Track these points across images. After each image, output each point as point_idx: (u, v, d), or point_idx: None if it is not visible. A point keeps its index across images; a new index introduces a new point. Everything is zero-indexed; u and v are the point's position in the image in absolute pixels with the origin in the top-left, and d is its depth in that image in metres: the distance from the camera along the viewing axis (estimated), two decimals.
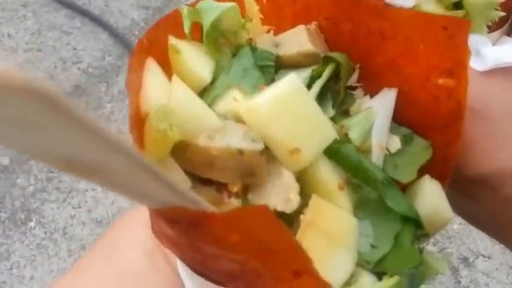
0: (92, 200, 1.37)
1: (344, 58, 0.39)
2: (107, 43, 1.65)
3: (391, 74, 0.39)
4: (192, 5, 0.36)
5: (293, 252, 0.26)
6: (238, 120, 0.33)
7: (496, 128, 0.39)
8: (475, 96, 0.38)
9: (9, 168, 1.44)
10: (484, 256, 1.28)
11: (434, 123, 0.38)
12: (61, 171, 0.17)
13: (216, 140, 0.31)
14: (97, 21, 1.71)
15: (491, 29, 0.42)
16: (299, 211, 0.32)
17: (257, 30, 0.39)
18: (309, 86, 0.37)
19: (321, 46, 0.39)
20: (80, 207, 1.35)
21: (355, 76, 0.40)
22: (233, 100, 0.33)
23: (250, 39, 0.38)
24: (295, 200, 0.31)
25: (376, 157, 0.36)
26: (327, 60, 0.38)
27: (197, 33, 0.36)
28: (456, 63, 0.36)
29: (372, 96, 0.39)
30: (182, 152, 0.31)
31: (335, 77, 0.38)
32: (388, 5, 0.37)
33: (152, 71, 0.33)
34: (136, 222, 0.46)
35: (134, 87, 0.32)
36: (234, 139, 0.31)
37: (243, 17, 0.37)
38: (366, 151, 0.36)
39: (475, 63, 0.41)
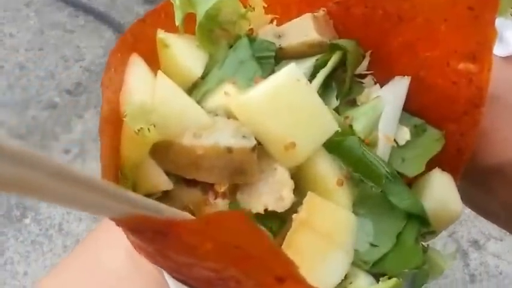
0: None
1: (353, 45, 0.37)
2: (109, 40, 1.64)
3: (406, 59, 0.37)
4: None
5: (274, 257, 0.25)
6: (230, 116, 0.31)
7: None
8: (496, 82, 0.36)
9: None
10: (496, 238, 1.24)
11: (450, 111, 0.36)
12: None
13: (202, 138, 0.30)
14: (101, 17, 1.70)
15: None
16: (294, 209, 0.31)
17: (260, 20, 0.37)
18: (314, 76, 0.35)
19: (329, 34, 0.37)
20: None
21: (365, 63, 0.38)
22: (224, 95, 0.32)
23: (251, 30, 0.36)
24: (288, 198, 0.30)
25: (382, 150, 0.34)
26: (333, 48, 0.36)
27: (192, 26, 0.35)
28: (480, 45, 0.34)
29: (382, 85, 0.37)
30: (164, 152, 0.30)
31: (343, 65, 0.37)
32: None
33: (136, 67, 0.32)
34: None
35: (114, 85, 0.31)
36: (223, 136, 0.30)
37: (245, 6, 0.36)
38: (371, 143, 0.34)
39: (497, 48, 0.38)
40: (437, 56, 0.36)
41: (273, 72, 0.35)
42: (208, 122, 0.31)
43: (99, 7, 1.72)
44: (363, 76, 0.38)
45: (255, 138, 0.31)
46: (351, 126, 0.34)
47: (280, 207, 0.30)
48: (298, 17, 0.37)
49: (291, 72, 0.31)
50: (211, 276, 0.27)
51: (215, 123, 0.31)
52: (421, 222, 0.33)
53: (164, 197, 0.33)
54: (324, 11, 0.38)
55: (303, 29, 0.36)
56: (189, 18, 0.35)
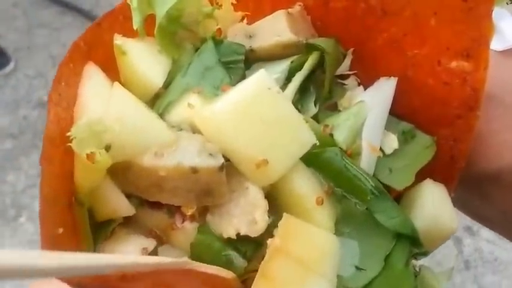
0: None
1: (331, 44, 0.33)
2: None
3: (392, 57, 0.34)
4: None
5: None
6: (195, 130, 0.28)
7: None
8: (493, 80, 0.33)
9: None
10: None
11: (442, 114, 0.33)
12: None
13: (164, 157, 0.27)
14: (87, 16, 1.75)
15: None
16: (270, 231, 0.28)
17: (228, 19, 0.33)
18: (289, 80, 0.32)
19: (306, 31, 0.34)
20: None
21: (347, 62, 0.34)
22: (188, 107, 0.29)
23: (219, 30, 0.33)
24: (261, 221, 0.27)
25: (367, 161, 0.31)
26: (309, 48, 0.33)
27: (154, 29, 0.31)
28: (475, 41, 0.31)
29: (367, 86, 0.34)
30: (123, 173, 0.27)
31: (321, 66, 0.33)
32: None
33: (92, 78, 0.29)
34: None
35: (65, 101, 0.28)
36: (187, 155, 0.27)
37: (211, 3, 0.32)
38: (354, 154, 0.31)
39: (492, 41, 0.34)
40: (426, 54, 0.32)
41: (243, 77, 0.31)
42: (170, 139, 0.28)
43: (84, 6, 1.78)
44: (345, 77, 0.34)
45: (223, 156, 0.27)
46: (331, 135, 0.31)
47: (254, 231, 0.27)
48: (272, 13, 0.34)
49: (261, 80, 0.28)
50: None
51: (178, 140, 0.27)
52: (412, 243, 0.30)
53: (127, 222, 0.30)
54: (300, 6, 0.34)
55: (276, 28, 0.33)
56: (151, 20, 0.31)
